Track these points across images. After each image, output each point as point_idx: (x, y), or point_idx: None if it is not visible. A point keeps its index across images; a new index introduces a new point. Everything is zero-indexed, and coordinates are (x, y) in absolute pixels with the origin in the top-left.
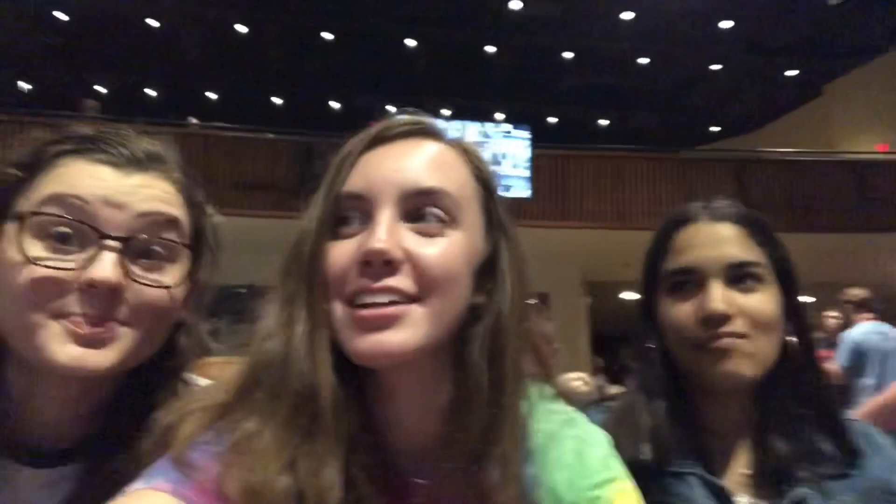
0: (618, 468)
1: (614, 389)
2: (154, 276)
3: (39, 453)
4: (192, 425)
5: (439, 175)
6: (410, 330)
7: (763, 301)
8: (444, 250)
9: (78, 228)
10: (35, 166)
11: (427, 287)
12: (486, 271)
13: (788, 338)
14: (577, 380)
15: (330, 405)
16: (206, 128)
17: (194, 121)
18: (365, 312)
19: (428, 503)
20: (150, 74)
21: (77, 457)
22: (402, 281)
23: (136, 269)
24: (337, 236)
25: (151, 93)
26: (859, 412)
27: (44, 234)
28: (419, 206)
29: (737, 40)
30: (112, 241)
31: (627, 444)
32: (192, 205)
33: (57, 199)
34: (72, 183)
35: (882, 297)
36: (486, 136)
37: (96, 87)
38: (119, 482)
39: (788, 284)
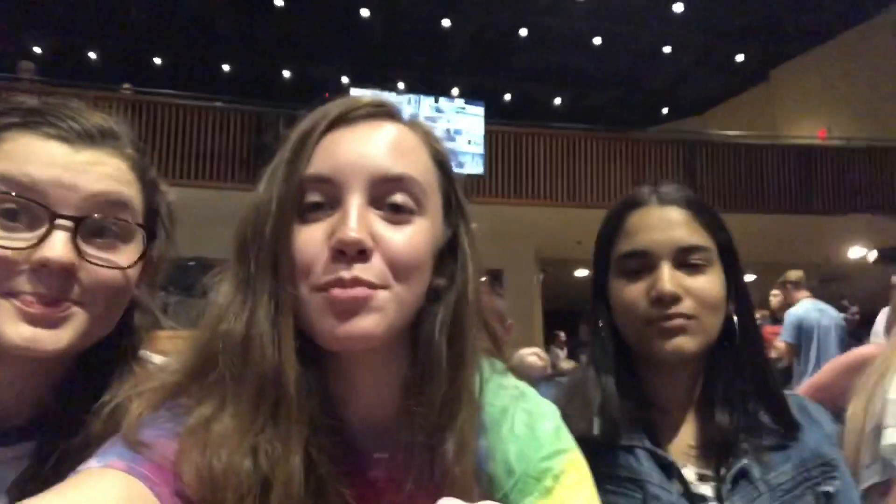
0: (568, 440)
1: (566, 364)
2: (107, 255)
3: None
4: (143, 404)
5: (405, 161)
6: (379, 314)
7: (709, 282)
8: (412, 238)
9: (27, 206)
10: None
11: (396, 274)
12: (445, 254)
13: (732, 316)
14: (532, 354)
15: (294, 390)
16: (151, 94)
17: (127, 86)
18: (337, 293)
19: (387, 477)
20: (92, 36)
21: (30, 436)
22: (371, 271)
23: (89, 249)
24: (302, 219)
25: (92, 56)
26: (801, 388)
27: None
28: (387, 193)
29: (688, 23)
30: (64, 220)
31: (578, 419)
32: (145, 182)
33: (4, 175)
34: (20, 159)
35: (823, 276)
36: (440, 111)
37: (33, 49)
38: (72, 462)
39: (732, 265)
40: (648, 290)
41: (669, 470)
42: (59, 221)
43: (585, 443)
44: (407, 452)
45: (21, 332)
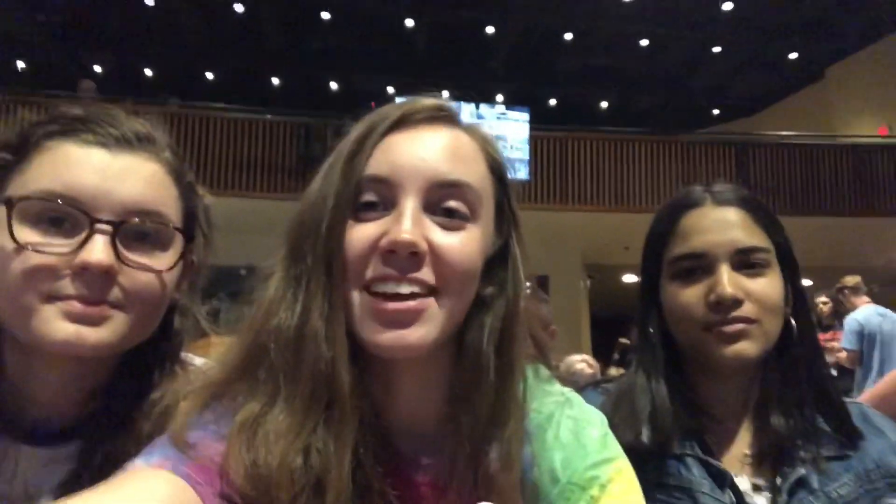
0: (615, 448)
1: (614, 371)
2: (146, 260)
3: (39, 433)
4: (189, 405)
5: (463, 168)
6: (429, 325)
7: (769, 285)
8: (465, 246)
9: (68, 213)
10: (23, 148)
11: (446, 281)
12: (495, 262)
13: (789, 320)
14: (581, 361)
15: (348, 389)
16: (202, 108)
17: (174, 100)
18: (388, 306)
19: (431, 482)
20: (147, 54)
21: (75, 437)
22: (425, 274)
23: (127, 254)
24: (356, 217)
25: (148, 73)
26: (863, 397)
27: (35, 219)
28: (442, 199)
29: (738, 22)
30: (104, 224)
31: (626, 427)
32: (182, 186)
33: (47, 183)
34: (61, 166)
35: (882, 280)
36: (481, 117)
37: (93, 67)
38: (117, 462)
39: (790, 267)
40: (707, 294)
41: (722, 479)
42: (99, 226)
43: (634, 451)
44: (451, 459)
45: (65, 329)
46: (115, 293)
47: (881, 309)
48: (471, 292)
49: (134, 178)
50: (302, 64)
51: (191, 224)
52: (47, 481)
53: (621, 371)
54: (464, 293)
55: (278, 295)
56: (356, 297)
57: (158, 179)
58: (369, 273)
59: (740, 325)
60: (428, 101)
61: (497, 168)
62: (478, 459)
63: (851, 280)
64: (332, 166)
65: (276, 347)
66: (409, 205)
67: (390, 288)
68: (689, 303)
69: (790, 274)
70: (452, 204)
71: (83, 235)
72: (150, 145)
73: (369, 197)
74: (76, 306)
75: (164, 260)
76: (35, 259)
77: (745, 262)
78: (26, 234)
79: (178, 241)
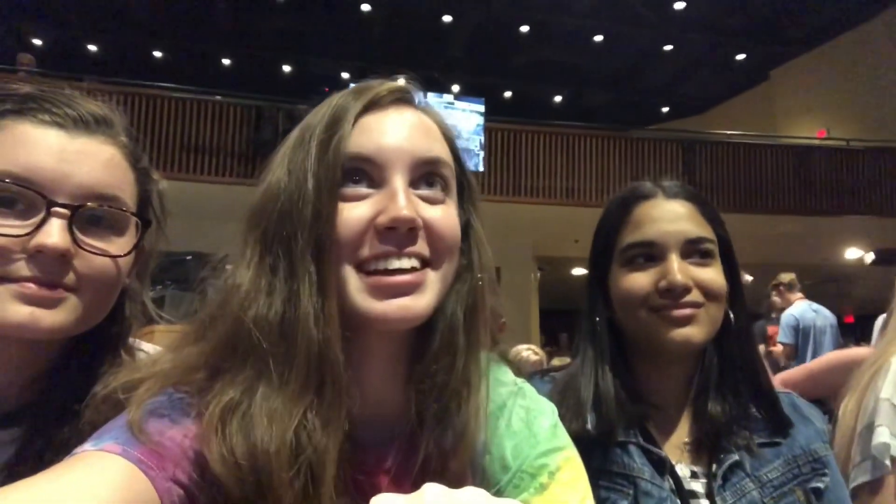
0: (564, 438)
1: (557, 362)
2: (101, 244)
3: None
4: (146, 390)
5: (438, 145)
6: (429, 294)
7: (715, 274)
8: (450, 217)
9: (23, 194)
10: None
11: (439, 252)
12: (461, 238)
13: (727, 311)
14: (528, 350)
15: (342, 371)
16: (149, 87)
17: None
18: (390, 280)
19: (388, 469)
20: (92, 29)
21: (19, 421)
22: (421, 247)
23: (84, 238)
24: (341, 197)
25: (92, 48)
26: (785, 376)
27: None
28: (424, 175)
29: (689, 22)
30: (60, 207)
31: (571, 415)
32: (138, 170)
33: (2, 163)
34: (17, 146)
35: (820, 278)
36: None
37: (33, 41)
38: (62, 447)
39: (730, 261)
40: (656, 280)
41: (662, 466)
42: (56, 209)
43: (579, 439)
44: (406, 447)
45: (20, 311)
46: (71, 277)
47: (815, 305)
48: (456, 262)
49: (92, 162)
50: (254, 45)
51: (145, 208)
52: None
53: (565, 360)
54: (452, 261)
55: (253, 284)
56: (350, 275)
57: (116, 163)
58: (365, 252)
59: (689, 310)
60: (392, 83)
61: (454, 146)
62: (439, 434)
63: (787, 277)
64: (299, 151)
65: (260, 336)
66: (400, 182)
67: (391, 264)
68: (639, 287)
69: (730, 267)
70: (434, 179)
71: (39, 218)
72: (107, 128)
73: (353, 178)
74: (31, 288)
75: (119, 245)
76: None
77: (693, 251)
78: None
79: (134, 227)
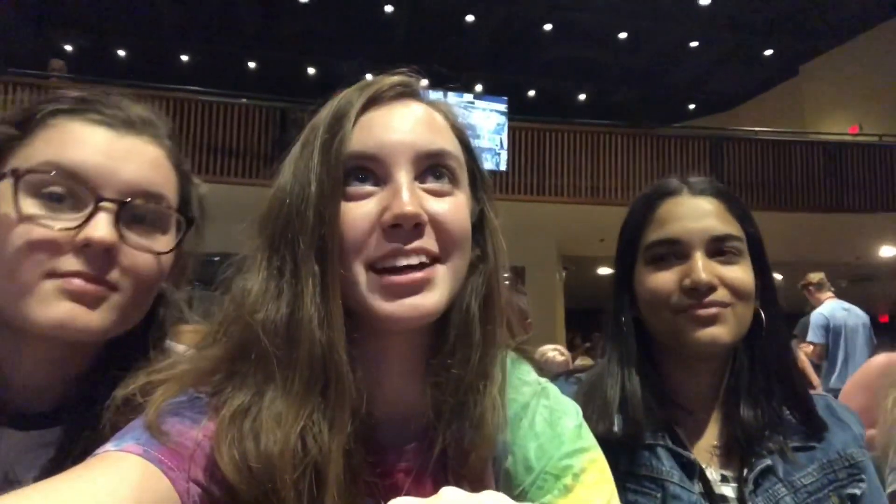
0: (589, 439)
1: (581, 362)
2: (146, 241)
3: (20, 417)
4: (166, 391)
5: (441, 137)
6: (439, 290)
7: (742, 272)
8: (457, 211)
9: (72, 189)
10: (28, 124)
11: (447, 246)
12: (475, 229)
13: (758, 310)
14: (553, 350)
15: (346, 373)
16: (177, 90)
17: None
18: (398, 278)
19: (408, 468)
20: (120, 35)
21: (56, 422)
22: (428, 242)
23: (129, 234)
24: (345, 197)
25: (121, 54)
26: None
27: (38, 194)
28: (429, 168)
29: (716, 18)
30: (108, 202)
31: (598, 418)
32: (180, 173)
33: (53, 158)
34: (67, 143)
35: (851, 277)
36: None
37: (64, 47)
38: (92, 449)
39: (760, 258)
40: (681, 279)
41: (692, 470)
42: (104, 204)
43: (606, 441)
44: (425, 446)
45: (60, 308)
46: (114, 273)
47: (845, 304)
48: (467, 255)
49: (138, 160)
50: (279, 48)
51: (186, 210)
52: (30, 467)
53: (587, 361)
54: (463, 255)
55: (262, 288)
56: (361, 275)
57: (160, 163)
58: (374, 251)
59: (714, 309)
60: (393, 78)
61: (462, 136)
62: (456, 429)
63: (815, 277)
64: (305, 152)
65: (266, 339)
66: (404, 178)
67: (399, 261)
68: (664, 286)
69: (760, 265)
70: (439, 172)
71: (87, 212)
72: (152, 129)
73: (357, 176)
74: (75, 283)
75: (162, 242)
76: (37, 232)
77: (718, 249)
78: (30, 206)
79: (176, 226)
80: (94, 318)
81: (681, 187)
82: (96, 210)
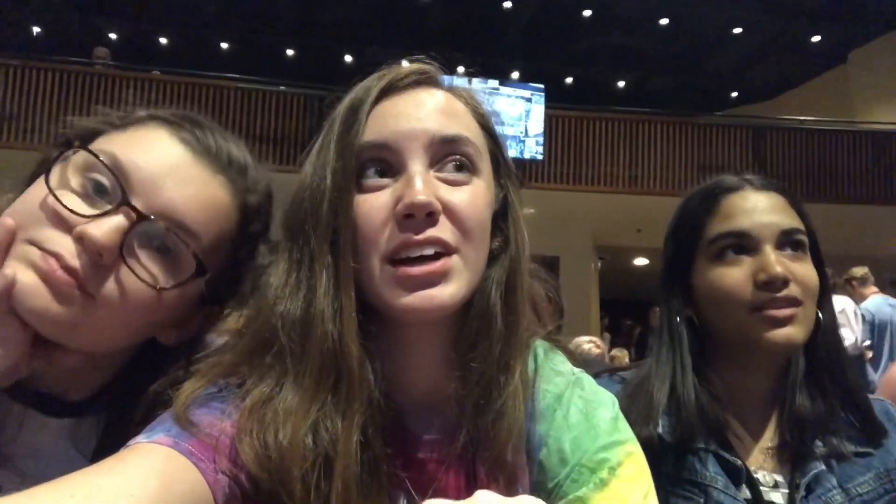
0: (626, 431)
1: (617, 353)
2: (150, 268)
3: (58, 402)
4: (194, 383)
5: (457, 123)
6: (456, 282)
7: (809, 268)
8: (474, 199)
9: (112, 185)
10: (128, 118)
11: (464, 236)
12: (498, 216)
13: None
14: (589, 342)
15: (357, 366)
16: (218, 79)
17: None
18: (414, 270)
19: (436, 459)
20: (162, 23)
21: (93, 411)
22: (443, 231)
23: (137, 252)
24: (360, 189)
25: (163, 41)
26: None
27: (81, 176)
28: (445, 155)
29: (761, 3)
30: (130, 209)
31: (640, 419)
32: (242, 230)
33: (117, 150)
34: (140, 143)
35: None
36: (508, 95)
37: (108, 35)
38: (127, 440)
39: (817, 255)
40: (754, 274)
41: (738, 476)
42: (125, 208)
43: (649, 444)
44: (451, 435)
45: (28, 278)
46: (97, 281)
47: (891, 299)
48: (486, 245)
49: (193, 190)
50: (316, 36)
51: (225, 269)
52: (64, 455)
53: (623, 352)
54: (481, 246)
55: (282, 280)
56: (377, 268)
57: (218, 207)
58: (389, 243)
59: (790, 310)
60: (410, 65)
61: (485, 122)
62: (476, 429)
63: (859, 271)
64: (324, 144)
65: (283, 331)
66: (417, 167)
67: (413, 252)
68: (736, 283)
69: (817, 262)
70: (455, 159)
71: (107, 209)
72: (234, 174)
73: (373, 167)
74: (48, 262)
75: (169, 279)
76: (54, 204)
77: (787, 243)
78: (73, 182)
79: (190, 269)
80: (52, 307)
81: (742, 183)
82: (116, 211)
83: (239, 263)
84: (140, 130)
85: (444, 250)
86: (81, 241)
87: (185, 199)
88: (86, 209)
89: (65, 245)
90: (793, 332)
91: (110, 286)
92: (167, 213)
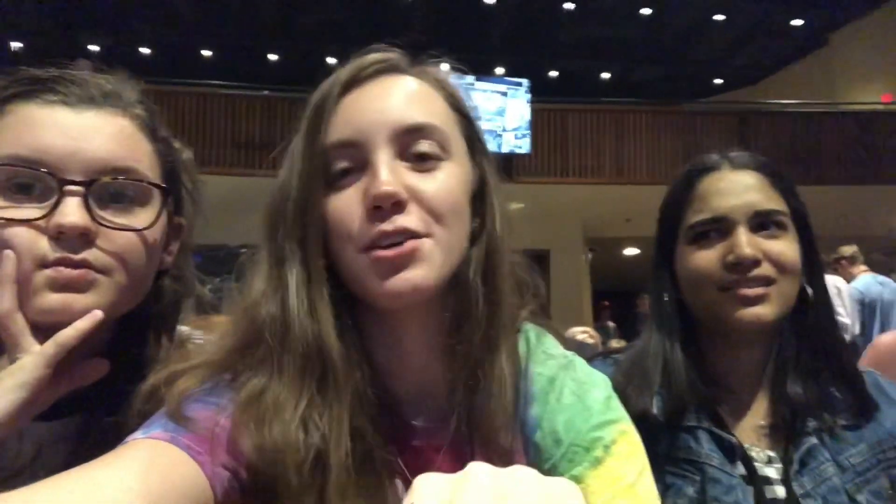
0: (619, 410)
1: (617, 342)
2: (123, 219)
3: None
4: (188, 380)
5: (423, 109)
6: (429, 263)
7: (787, 246)
8: (444, 183)
9: (37, 177)
10: None
11: (436, 221)
12: (476, 197)
13: (804, 286)
14: (583, 332)
15: (338, 359)
16: (202, 86)
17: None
18: (387, 253)
19: (431, 444)
20: (143, 33)
21: (77, 409)
22: (411, 220)
23: (103, 214)
24: (331, 188)
25: (145, 51)
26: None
27: (4, 187)
28: (411, 143)
29: None
30: (73, 185)
31: (638, 396)
32: (157, 141)
33: (10, 148)
34: (24, 129)
35: (885, 249)
36: (484, 90)
37: (88, 47)
38: (117, 437)
39: (805, 233)
40: (724, 255)
41: (732, 453)
42: (69, 188)
43: (644, 421)
44: (444, 420)
45: (52, 298)
46: (98, 256)
47: (880, 277)
48: (462, 227)
49: (101, 136)
50: (298, 39)
51: (172, 180)
52: (56, 457)
53: (622, 344)
54: (454, 228)
55: (262, 281)
56: (354, 260)
57: (127, 134)
58: (362, 235)
59: (759, 289)
60: (373, 55)
61: (457, 104)
62: (470, 403)
63: (848, 250)
64: (293, 145)
65: (267, 330)
66: (382, 157)
67: (383, 243)
68: (706, 264)
69: (806, 239)
70: (423, 146)
71: (54, 199)
72: (116, 100)
73: (341, 164)
74: (63, 272)
75: (142, 217)
76: (8, 228)
77: (762, 224)
78: None
79: (157, 198)
80: (87, 302)
81: (721, 162)
82: (63, 195)
83: (168, 166)
84: (9, 119)
85: (414, 237)
86: (62, 233)
87: (102, 145)
88: (34, 211)
89: (52, 250)
90: (762, 311)
91: (110, 252)
92: (100, 168)
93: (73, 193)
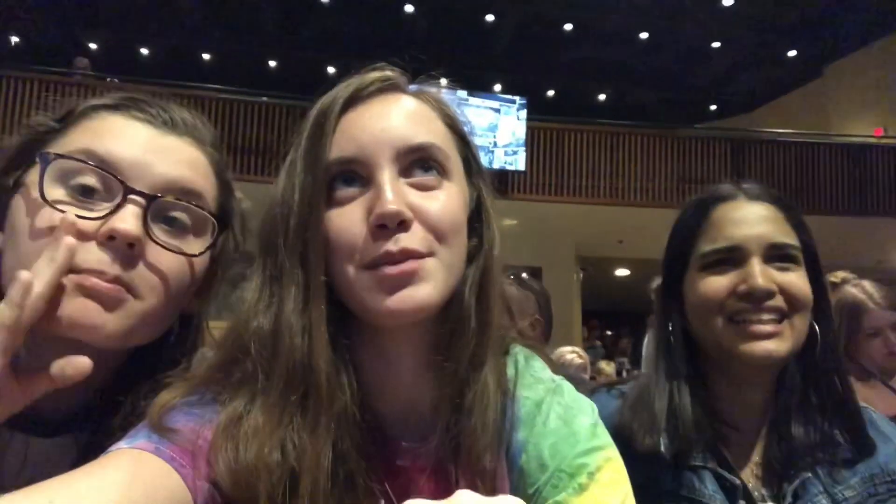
0: (605, 437)
1: (606, 365)
2: (176, 242)
3: (44, 422)
4: (171, 393)
5: (425, 129)
6: (432, 282)
7: (800, 280)
8: (446, 203)
9: (104, 179)
10: (69, 118)
11: (438, 241)
12: (473, 216)
13: (812, 323)
14: (572, 353)
15: (324, 381)
16: (199, 88)
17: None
18: (390, 270)
19: (415, 465)
20: (143, 33)
21: (78, 428)
22: (415, 240)
23: (158, 231)
24: (331, 202)
25: (144, 52)
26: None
27: (67, 184)
28: (414, 163)
29: (739, 18)
30: (137, 196)
31: (644, 432)
32: (221, 181)
33: (87, 149)
34: (104, 134)
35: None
36: (477, 106)
37: (88, 45)
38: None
39: (814, 267)
40: (736, 284)
41: (734, 493)
42: (133, 196)
43: (652, 459)
44: (430, 441)
45: (72, 304)
46: (136, 277)
47: None
48: (462, 246)
49: (175, 157)
50: (299, 47)
51: (224, 224)
52: (53, 474)
53: (611, 364)
54: (455, 248)
55: (255, 296)
56: (355, 276)
57: (199, 164)
58: (366, 253)
59: (771, 326)
60: (374, 73)
61: (454, 125)
62: (455, 422)
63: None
64: (293, 160)
65: (254, 347)
66: (386, 176)
67: (386, 259)
68: (716, 291)
69: (814, 275)
70: (425, 165)
71: (115, 203)
72: (196, 133)
73: (343, 180)
74: (92, 280)
75: (194, 245)
76: (60, 223)
77: (776, 256)
78: (56, 193)
79: (210, 231)
80: (108, 320)
81: (736, 192)
82: (124, 202)
83: (225, 209)
84: (91, 123)
85: (419, 258)
86: (112, 239)
87: (174, 167)
88: (91, 212)
89: (93, 258)
90: (773, 347)
91: (149, 275)
92: (168, 186)
93: (135, 203)
